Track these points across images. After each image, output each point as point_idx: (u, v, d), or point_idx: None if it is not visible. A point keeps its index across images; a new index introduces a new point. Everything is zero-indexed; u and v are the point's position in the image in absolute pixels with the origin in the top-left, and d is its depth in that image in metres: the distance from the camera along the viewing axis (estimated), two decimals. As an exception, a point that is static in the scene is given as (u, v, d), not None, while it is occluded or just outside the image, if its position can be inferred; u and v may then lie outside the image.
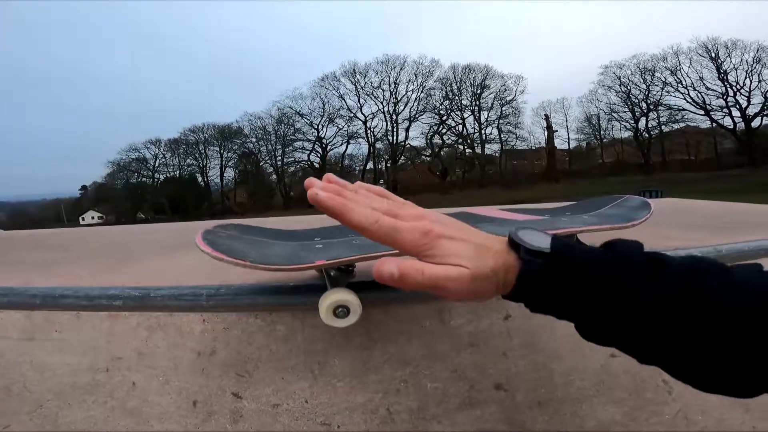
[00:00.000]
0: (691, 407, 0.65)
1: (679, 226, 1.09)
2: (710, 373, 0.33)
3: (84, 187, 42.96)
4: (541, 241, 0.36)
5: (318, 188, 0.36)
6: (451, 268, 0.34)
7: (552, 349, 0.63)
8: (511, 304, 0.62)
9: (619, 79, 31.57)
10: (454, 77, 34.00)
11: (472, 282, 0.34)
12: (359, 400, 0.56)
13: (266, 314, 0.56)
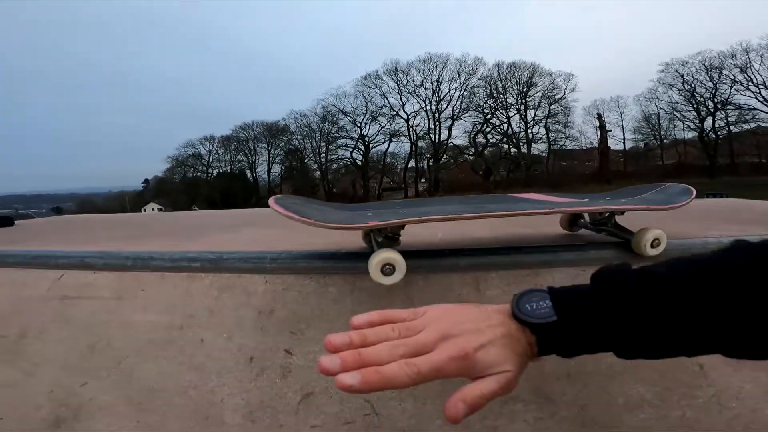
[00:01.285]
0: (726, 393, 0.65)
1: (736, 222, 1.05)
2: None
3: (146, 181, 46.45)
4: (542, 310, 0.37)
5: (341, 366, 0.34)
6: (500, 378, 0.35)
7: None
8: (547, 279, 0.66)
9: (682, 76, 29.35)
10: (499, 75, 33.18)
11: (518, 378, 0.37)
12: (398, 361, 0.63)
13: (320, 277, 0.63)
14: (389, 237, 0.60)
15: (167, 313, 0.71)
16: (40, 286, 0.79)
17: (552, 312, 0.37)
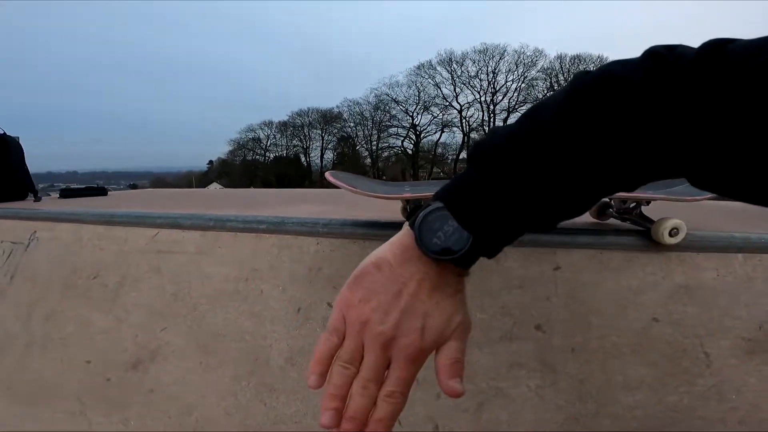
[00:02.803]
0: (728, 384, 0.67)
1: (758, 217, 1.03)
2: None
3: (210, 162, 49.62)
4: (453, 236, 0.33)
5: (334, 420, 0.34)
6: (457, 333, 0.35)
7: (594, 304, 0.71)
8: (564, 258, 0.72)
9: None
10: (561, 67, 31.32)
11: (465, 311, 0.36)
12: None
13: (362, 241, 0.75)
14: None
15: (237, 267, 0.84)
16: (139, 242, 0.95)
17: (462, 232, 0.33)
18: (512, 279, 0.71)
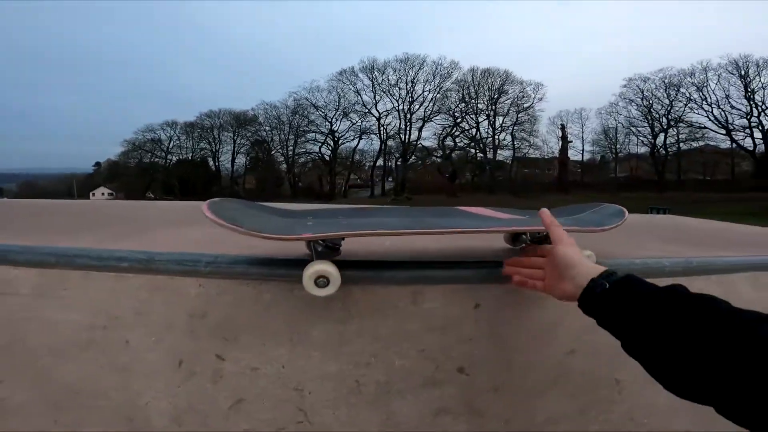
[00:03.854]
0: (639, 409, 0.70)
1: (663, 240, 1.13)
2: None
3: (98, 164, 43.69)
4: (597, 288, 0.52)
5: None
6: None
7: (515, 340, 0.68)
8: (481, 293, 0.67)
9: (642, 92, 31.16)
10: (473, 80, 33.89)
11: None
12: (331, 370, 0.62)
13: (257, 283, 0.62)
14: (329, 246, 0.59)
15: (90, 313, 0.68)
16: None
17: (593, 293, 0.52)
18: (433, 320, 0.65)
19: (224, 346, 0.63)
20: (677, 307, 0.45)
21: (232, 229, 0.54)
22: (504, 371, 0.67)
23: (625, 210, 0.83)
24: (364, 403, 0.62)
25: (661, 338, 0.44)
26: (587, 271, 0.54)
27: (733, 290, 0.79)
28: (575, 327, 0.70)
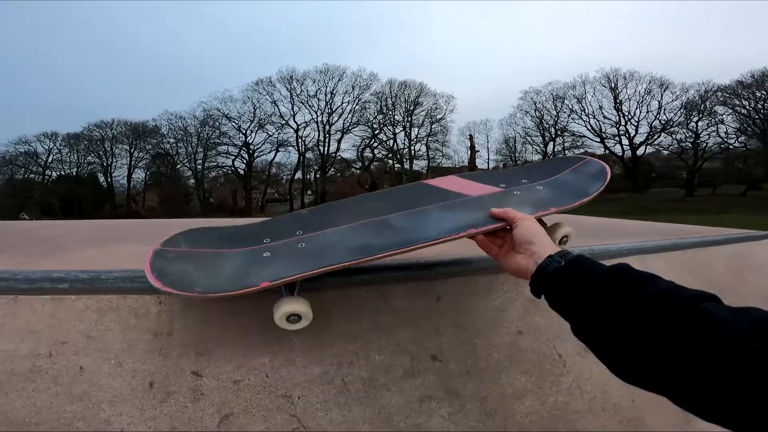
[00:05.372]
0: (581, 378, 0.79)
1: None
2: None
3: (-50, 182, 35.96)
4: (550, 266, 0.53)
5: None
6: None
7: (474, 326, 0.75)
8: (442, 287, 0.72)
9: (535, 104, 34.84)
10: (390, 92, 34.91)
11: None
12: (317, 373, 0.61)
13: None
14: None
15: (27, 340, 0.59)
16: None
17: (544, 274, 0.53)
18: (402, 315, 0.68)
19: (199, 362, 0.59)
20: (621, 290, 0.45)
21: (185, 295, 0.50)
22: (470, 355, 0.73)
23: (607, 168, 0.80)
24: (354, 400, 0.62)
25: (606, 321, 0.45)
26: (543, 250, 0.54)
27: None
28: (519, 310, 0.78)
